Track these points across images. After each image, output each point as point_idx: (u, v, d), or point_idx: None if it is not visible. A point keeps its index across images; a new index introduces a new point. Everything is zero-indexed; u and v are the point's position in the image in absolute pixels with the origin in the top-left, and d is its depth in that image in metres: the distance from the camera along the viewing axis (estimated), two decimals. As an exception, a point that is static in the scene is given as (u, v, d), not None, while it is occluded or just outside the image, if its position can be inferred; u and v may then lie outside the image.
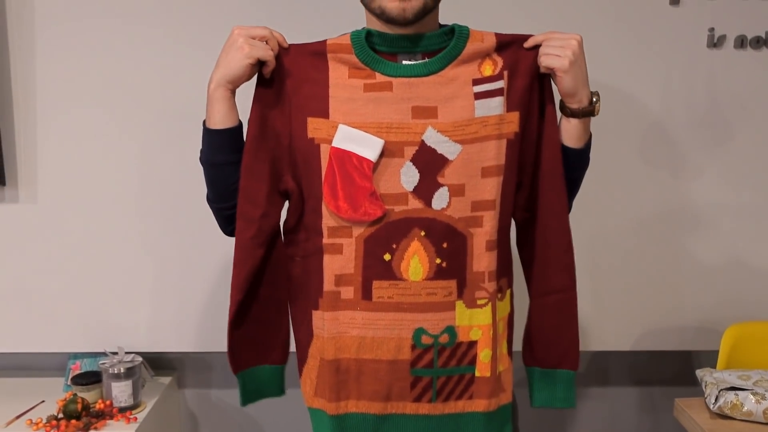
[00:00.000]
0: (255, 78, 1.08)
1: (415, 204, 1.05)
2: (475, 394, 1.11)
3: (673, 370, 1.95)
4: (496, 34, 1.08)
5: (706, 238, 1.78)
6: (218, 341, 1.77)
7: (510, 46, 1.08)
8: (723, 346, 1.66)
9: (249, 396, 1.18)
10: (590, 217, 1.74)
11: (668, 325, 1.82)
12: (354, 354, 1.09)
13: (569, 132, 1.11)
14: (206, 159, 1.12)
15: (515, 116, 1.07)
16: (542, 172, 1.11)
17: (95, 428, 1.56)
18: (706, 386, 1.54)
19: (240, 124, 1.11)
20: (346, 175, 1.04)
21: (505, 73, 1.07)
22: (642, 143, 1.74)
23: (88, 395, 1.66)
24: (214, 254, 1.73)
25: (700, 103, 1.72)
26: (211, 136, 1.10)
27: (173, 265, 1.76)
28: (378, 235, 1.05)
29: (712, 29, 1.68)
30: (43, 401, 1.71)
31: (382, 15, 1.04)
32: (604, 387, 1.98)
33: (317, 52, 1.07)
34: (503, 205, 1.09)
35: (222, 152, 1.10)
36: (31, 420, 1.60)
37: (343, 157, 1.04)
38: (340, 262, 1.07)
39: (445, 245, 1.06)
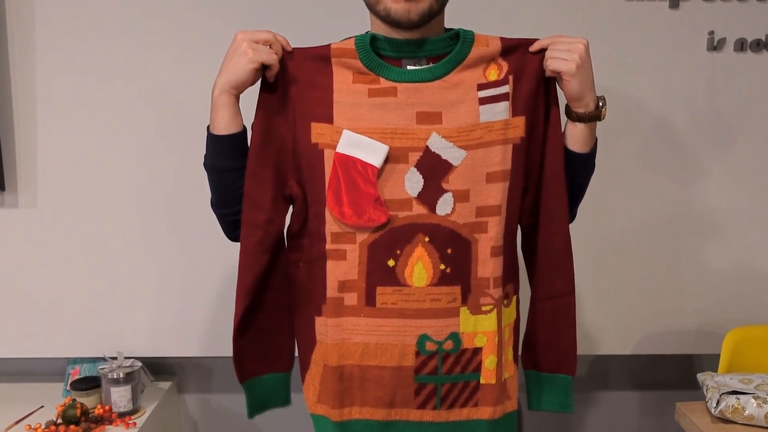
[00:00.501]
0: (258, 83, 1.08)
1: (419, 210, 1.04)
2: (480, 402, 1.10)
3: (675, 374, 1.95)
4: (501, 39, 1.07)
5: (707, 242, 1.78)
6: (218, 346, 1.78)
7: (515, 50, 1.07)
8: (724, 350, 1.66)
9: (255, 407, 1.17)
10: (592, 222, 1.73)
11: (669, 328, 1.82)
12: (358, 360, 1.08)
13: (575, 137, 1.10)
14: (210, 165, 1.11)
15: (521, 121, 1.07)
16: (545, 176, 1.11)
17: (94, 434, 1.56)
18: (707, 390, 1.53)
19: (244, 130, 1.10)
20: (351, 181, 1.03)
21: (511, 77, 1.06)
22: (643, 147, 1.74)
23: (87, 400, 1.65)
24: (214, 259, 1.73)
25: (701, 107, 1.72)
26: (215, 141, 1.09)
27: (172, 270, 1.75)
28: (382, 241, 1.04)
29: (711, 32, 1.69)
30: (42, 406, 1.70)
31: (387, 17, 1.04)
32: (605, 391, 1.98)
33: (321, 57, 1.06)
34: (509, 211, 1.08)
35: (226, 158, 1.09)
36: (30, 425, 1.59)
37: (347, 162, 1.04)
38: (343, 268, 1.06)
39: (449, 251, 1.05)
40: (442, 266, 1.05)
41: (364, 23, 1.13)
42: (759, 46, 1.69)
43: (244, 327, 1.12)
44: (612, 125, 1.68)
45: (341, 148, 1.04)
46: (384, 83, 1.05)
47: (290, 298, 1.16)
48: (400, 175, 1.04)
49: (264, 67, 1.05)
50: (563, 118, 1.11)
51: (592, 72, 1.07)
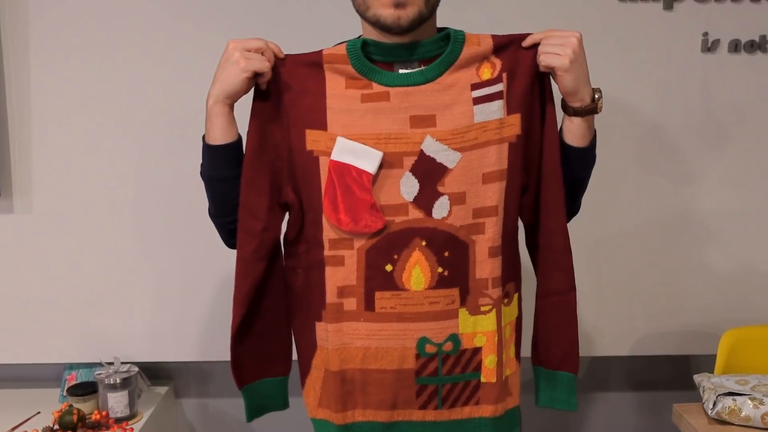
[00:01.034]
0: (252, 91, 1.08)
1: (415, 214, 1.04)
2: (482, 400, 1.11)
3: (672, 375, 1.96)
4: (493, 36, 1.07)
5: (702, 243, 1.79)
6: (215, 350, 1.77)
7: (508, 47, 1.07)
8: (721, 351, 1.66)
9: (254, 411, 1.17)
10: (588, 223, 1.72)
11: (666, 329, 1.82)
12: (359, 364, 1.08)
13: (573, 131, 1.10)
14: (207, 174, 1.11)
15: (516, 119, 1.06)
16: (543, 173, 1.10)
17: (91, 439, 1.56)
18: (704, 391, 1.53)
19: (240, 139, 1.10)
20: (346, 188, 1.03)
21: (504, 75, 1.06)
22: (638, 148, 1.74)
23: (84, 406, 1.65)
24: (210, 263, 1.72)
25: (696, 108, 1.73)
26: (211, 151, 1.09)
27: (168, 275, 1.75)
28: (379, 247, 1.05)
29: (706, 34, 1.69)
30: (39, 412, 1.70)
31: (377, 23, 1.04)
32: (602, 392, 1.98)
33: (313, 63, 1.06)
34: (507, 210, 1.08)
35: (222, 167, 1.09)
36: (26, 431, 1.59)
37: (342, 170, 1.04)
38: (342, 273, 1.06)
39: (446, 254, 1.05)
40: (440, 269, 1.05)
41: (356, 29, 1.12)
42: (753, 47, 1.70)
43: (242, 334, 1.12)
44: (607, 126, 1.68)
45: (336, 156, 1.04)
46: (376, 88, 1.04)
47: (288, 304, 1.16)
48: (395, 180, 1.04)
49: (257, 76, 1.05)
50: (560, 113, 1.10)
51: (587, 65, 1.06)
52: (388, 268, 1.05)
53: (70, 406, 1.61)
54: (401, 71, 1.06)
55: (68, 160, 1.69)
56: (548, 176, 1.10)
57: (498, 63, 1.06)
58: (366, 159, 1.03)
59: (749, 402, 1.46)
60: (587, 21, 1.67)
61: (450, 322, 1.07)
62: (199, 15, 1.65)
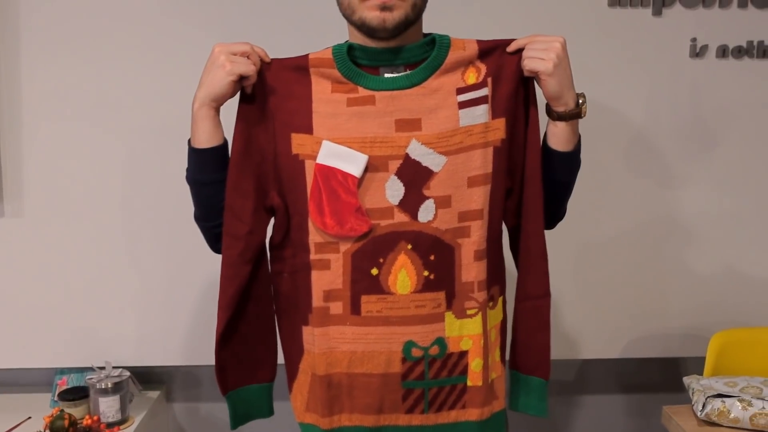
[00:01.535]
0: (238, 95, 1.08)
1: (401, 218, 1.05)
2: (468, 404, 1.11)
3: (661, 377, 1.97)
4: (478, 41, 1.08)
5: (692, 246, 1.80)
6: (207, 354, 1.74)
7: (493, 52, 1.08)
8: (710, 353, 1.67)
9: (239, 418, 1.17)
10: (577, 226, 1.74)
11: (655, 332, 1.83)
12: (345, 368, 1.08)
13: (557, 136, 1.10)
14: (193, 178, 1.11)
15: (501, 123, 1.07)
16: (525, 177, 1.11)
17: (82, 444, 1.55)
18: (693, 393, 1.55)
19: (225, 142, 1.10)
20: (331, 192, 1.04)
21: (489, 80, 1.07)
22: (627, 152, 1.76)
23: (75, 411, 1.64)
24: (203, 266, 1.72)
25: (684, 113, 1.74)
26: (197, 155, 1.09)
27: (160, 279, 1.75)
28: (365, 250, 1.05)
29: (694, 39, 1.71)
30: (30, 417, 1.69)
31: (363, 27, 1.04)
32: (592, 395, 1.99)
33: (300, 67, 1.07)
34: (492, 214, 1.08)
35: (208, 171, 1.09)
36: (17, 437, 1.58)
37: (327, 173, 1.04)
38: (328, 277, 1.07)
39: (432, 257, 1.05)
40: (426, 273, 1.06)
41: (343, 33, 1.13)
42: (740, 52, 1.71)
43: (227, 338, 1.12)
44: (596, 131, 1.70)
45: (321, 159, 1.04)
46: (362, 92, 1.05)
47: (274, 309, 1.16)
48: (381, 183, 1.05)
49: (242, 79, 1.05)
50: (545, 117, 1.11)
51: (570, 70, 1.07)
52: (374, 271, 1.05)
53: (61, 410, 1.61)
54: (387, 75, 1.07)
55: (59, 164, 1.69)
56: (530, 179, 1.10)
57: (483, 68, 1.07)
58: (351, 162, 1.03)
59: (738, 404, 1.47)
60: (577, 26, 1.69)
61: (436, 326, 1.07)
62: (190, 16, 1.65)
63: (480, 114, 1.06)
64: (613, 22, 1.70)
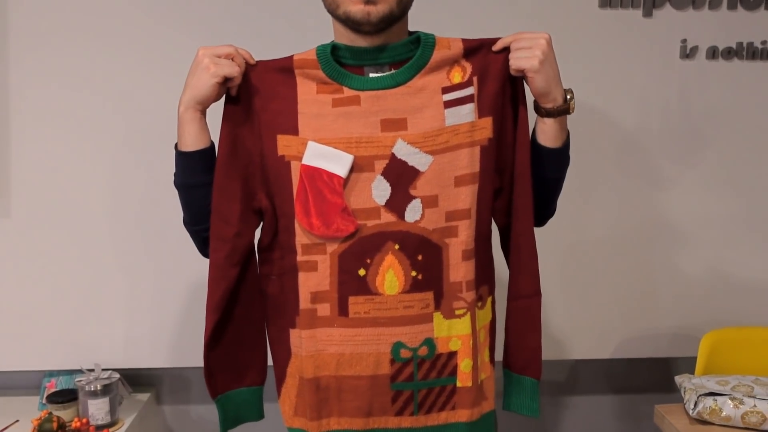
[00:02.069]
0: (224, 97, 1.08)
1: (387, 218, 1.04)
2: (458, 405, 1.10)
3: (653, 377, 1.97)
4: (463, 40, 1.07)
5: (682, 247, 1.81)
6: (197, 356, 1.71)
7: (478, 51, 1.07)
8: (701, 353, 1.68)
9: (229, 422, 1.16)
10: (568, 227, 1.75)
11: (647, 332, 1.84)
12: (333, 371, 1.07)
13: (546, 133, 1.09)
14: (180, 182, 1.10)
15: (488, 122, 1.07)
16: (514, 176, 1.11)
17: (71, 447, 1.54)
18: (685, 392, 1.55)
19: (212, 145, 1.10)
20: (317, 192, 1.03)
21: (475, 78, 1.06)
22: (617, 153, 1.76)
23: (64, 413, 1.63)
24: (193, 268, 1.71)
25: (674, 113, 1.75)
26: (183, 158, 1.08)
27: (151, 280, 1.74)
28: (352, 251, 1.04)
29: (684, 41, 1.72)
30: (18, 420, 1.67)
31: (347, 21, 1.04)
32: (583, 395, 1.99)
33: (284, 68, 1.06)
34: (480, 213, 1.08)
35: (196, 174, 1.09)
36: (5, 440, 1.56)
37: (313, 174, 1.04)
38: (315, 279, 1.06)
39: (420, 257, 1.05)
40: (414, 273, 1.05)
41: (327, 34, 1.12)
42: (730, 54, 1.73)
43: (215, 341, 1.11)
44: (586, 132, 1.71)
45: (307, 160, 1.04)
46: (347, 92, 1.05)
47: (262, 312, 1.15)
48: (367, 183, 1.04)
49: (227, 81, 1.04)
50: (534, 115, 1.10)
51: (557, 66, 1.06)
52: (362, 272, 1.05)
53: (50, 413, 1.59)
54: (372, 75, 1.06)
55: (47, 165, 1.68)
56: (519, 177, 1.10)
57: (468, 67, 1.07)
58: (337, 163, 1.03)
59: (729, 402, 1.47)
60: (568, 27, 1.69)
61: (425, 326, 1.06)
62: (176, 19, 1.65)
63: (466, 113, 1.06)
64: (604, 23, 1.71)
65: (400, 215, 1.04)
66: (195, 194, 1.10)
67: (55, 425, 1.55)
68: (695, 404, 1.50)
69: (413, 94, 1.05)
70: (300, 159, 1.04)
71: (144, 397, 1.81)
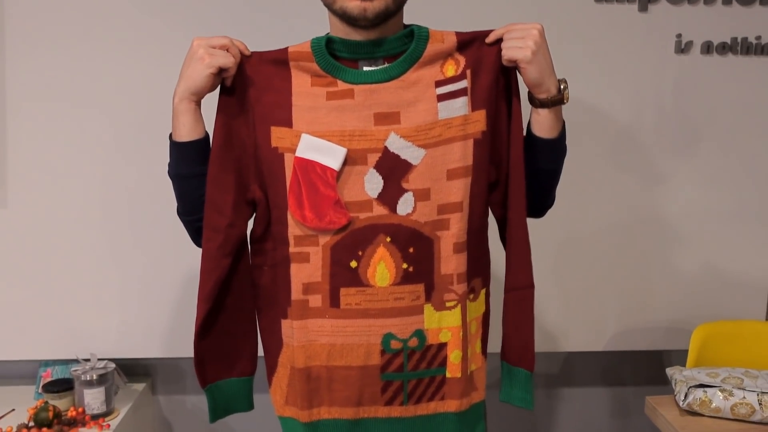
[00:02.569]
0: (219, 88, 1.08)
1: (379, 210, 1.05)
2: (447, 395, 1.11)
3: (645, 370, 1.99)
4: (457, 33, 1.07)
5: (675, 242, 1.82)
6: (193, 347, 1.76)
7: (471, 44, 1.08)
8: (692, 345, 1.69)
9: (218, 412, 1.16)
10: (562, 221, 1.76)
11: (640, 325, 1.85)
12: (324, 361, 1.08)
13: (541, 123, 1.09)
14: (174, 172, 1.11)
15: (481, 115, 1.07)
16: (509, 168, 1.11)
17: (67, 436, 1.55)
18: (675, 384, 1.56)
19: (207, 136, 1.10)
20: (311, 185, 1.04)
21: (468, 71, 1.07)
22: (612, 148, 1.77)
23: (60, 403, 1.64)
24: (189, 258, 1.71)
25: (669, 108, 1.76)
26: (178, 149, 1.09)
27: (147, 270, 1.75)
28: (344, 243, 1.05)
29: (679, 35, 1.72)
30: (14, 410, 1.68)
31: (343, 16, 1.04)
32: (576, 387, 2.01)
33: (279, 61, 1.07)
34: (473, 206, 1.08)
35: (190, 165, 1.09)
36: (1, 428, 1.57)
37: (306, 166, 1.04)
38: (307, 270, 1.07)
39: (411, 250, 1.06)
40: (405, 265, 1.06)
41: (323, 26, 1.12)
42: (724, 49, 1.73)
43: (206, 331, 1.12)
44: (580, 126, 1.71)
45: (300, 152, 1.04)
46: (341, 86, 1.05)
47: (254, 302, 1.15)
48: (359, 176, 1.05)
49: (222, 72, 1.04)
50: (528, 106, 1.10)
51: (550, 56, 1.06)
52: (353, 264, 1.05)
53: (46, 402, 1.60)
54: (366, 68, 1.07)
55: (42, 156, 1.69)
56: (513, 170, 1.10)
57: (462, 60, 1.07)
58: (330, 156, 1.03)
59: (719, 393, 1.49)
60: (564, 21, 1.69)
61: (415, 318, 1.07)
62: (171, 11, 1.64)
63: (459, 106, 1.06)
64: (600, 17, 1.71)
65: (392, 208, 1.05)
66: (189, 184, 1.10)
67: (50, 414, 1.56)
68: (685, 396, 1.51)
69: (406, 87, 1.05)
70: (293, 151, 1.05)
71: (139, 386, 1.82)
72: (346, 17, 1.04)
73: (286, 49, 1.07)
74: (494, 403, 1.23)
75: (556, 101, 1.07)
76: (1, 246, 1.71)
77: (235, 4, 1.65)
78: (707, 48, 1.73)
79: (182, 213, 1.14)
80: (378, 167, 1.05)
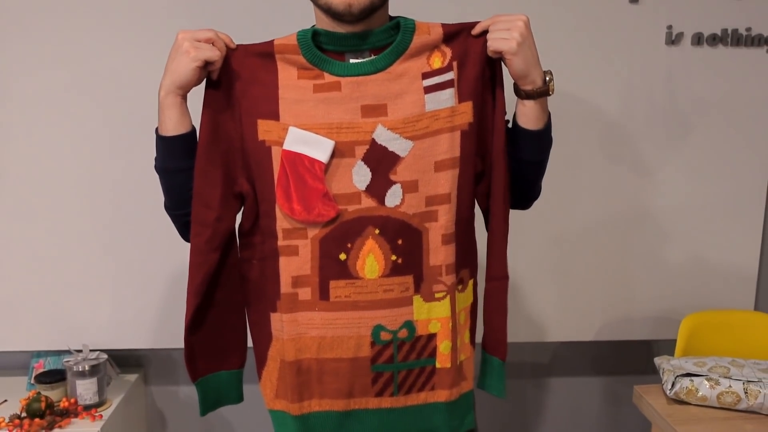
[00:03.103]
0: (204, 82, 1.07)
1: (368, 203, 1.05)
2: (437, 385, 1.12)
3: (634, 360, 2.01)
4: (443, 25, 1.07)
5: (664, 233, 1.83)
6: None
7: (458, 35, 1.07)
8: (680, 335, 1.71)
9: (208, 405, 1.17)
10: (553, 213, 1.77)
11: (629, 315, 1.87)
12: (314, 354, 1.09)
13: (527, 115, 1.09)
14: (161, 167, 1.10)
15: (468, 106, 1.07)
16: (492, 159, 1.11)
17: (59, 426, 1.55)
18: (663, 373, 1.58)
19: (193, 129, 1.10)
20: (299, 177, 1.04)
21: (455, 63, 1.06)
22: (601, 139, 1.77)
23: (52, 393, 1.64)
24: (181, 249, 1.70)
25: (659, 100, 1.76)
26: (164, 143, 1.08)
27: (139, 261, 1.74)
28: (333, 236, 1.05)
29: (670, 27, 1.72)
30: (6, 400, 1.69)
31: (328, 10, 1.04)
32: (566, 377, 2.02)
33: (265, 53, 1.06)
34: (461, 197, 1.09)
35: (177, 159, 1.09)
36: (-7, 420, 1.58)
37: (294, 159, 1.04)
38: (296, 263, 1.07)
39: (400, 242, 1.06)
40: (394, 257, 1.06)
41: (308, 18, 1.12)
42: (715, 40, 1.73)
43: (196, 325, 1.12)
44: (570, 117, 1.72)
45: (288, 145, 1.04)
46: (328, 78, 1.05)
47: (243, 296, 1.15)
48: (347, 169, 1.05)
49: (208, 65, 1.04)
50: (514, 98, 1.10)
51: (536, 47, 1.06)
52: (342, 256, 1.05)
53: (38, 393, 1.61)
54: (352, 61, 1.06)
55: (35, 147, 1.68)
56: (496, 161, 1.10)
57: (448, 52, 1.07)
58: (318, 148, 1.03)
59: (706, 382, 1.50)
60: (553, 13, 1.69)
61: (404, 309, 1.08)
62: (160, 5, 1.63)
63: (446, 98, 1.06)
64: (590, 8, 1.70)
65: (381, 200, 1.05)
66: (176, 179, 1.10)
67: (43, 405, 1.57)
68: (672, 385, 1.53)
69: (393, 79, 1.05)
70: (281, 144, 1.04)
71: (132, 377, 1.82)
72: (331, 12, 1.04)
73: (272, 41, 1.06)
74: (484, 393, 1.24)
75: (542, 93, 1.08)
76: (-8, 238, 1.71)
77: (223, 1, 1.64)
78: (698, 39, 1.73)
79: (169, 207, 1.14)
80: (366, 159, 1.05)
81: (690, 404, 1.52)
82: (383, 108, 1.05)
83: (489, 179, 1.13)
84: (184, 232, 1.14)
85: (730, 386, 1.49)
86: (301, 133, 1.04)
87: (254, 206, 1.10)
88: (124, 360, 1.86)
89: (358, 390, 1.10)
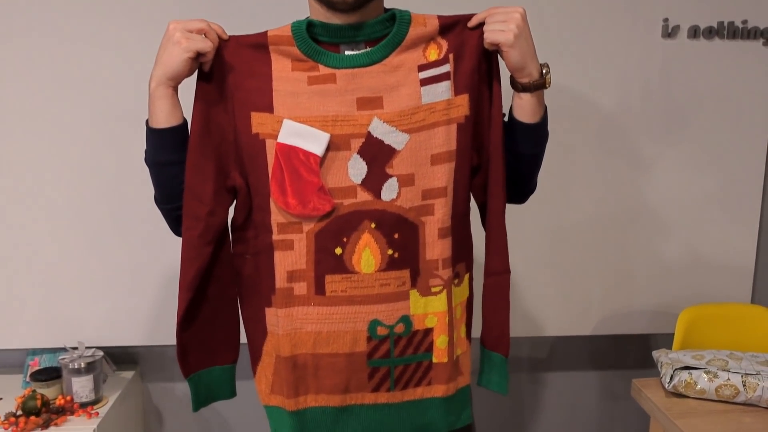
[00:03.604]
0: (196, 73, 1.06)
1: (364, 196, 1.04)
2: (434, 380, 1.11)
3: (632, 353, 2.01)
4: (439, 17, 1.06)
5: (661, 226, 1.83)
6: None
7: (454, 27, 1.07)
8: (678, 328, 1.71)
9: (201, 400, 1.16)
10: (550, 208, 1.77)
11: (627, 309, 1.87)
12: (310, 349, 1.08)
13: (523, 108, 1.09)
14: (151, 159, 1.09)
15: (464, 99, 1.06)
16: (489, 152, 1.10)
17: (55, 424, 1.55)
18: (661, 366, 1.58)
19: (185, 122, 1.08)
20: (293, 171, 1.03)
21: (451, 56, 1.06)
22: (598, 134, 1.77)
23: (48, 391, 1.64)
24: (176, 245, 1.70)
25: (655, 93, 1.76)
26: (155, 135, 1.07)
27: (134, 257, 1.74)
28: (328, 230, 1.04)
29: (666, 19, 1.72)
30: (1, 398, 1.68)
31: (324, 1, 1.03)
32: (564, 371, 2.02)
33: (258, 45, 1.05)
34: (457, 191, 1.08)
35: (167, 152, 1.07)
36: (-12, 418, 1.57)
37: (289, 152, 1.03)
38: (291, 258, 1.06)
39: (396, 236, 1.05)
40: (390, 251, 1.05)
41: (303, 9, 1.11)
42: (711, 33, 1.73)
43: (189, 321, 1.11)
44: (567, 111, 1.72)
45: (282, 138, 1.03)
46: (323, 70, 1.04)
47: (236, 291, 1.14)
48: (343, 162, 1.04)
49: (200, 56, 1.03)
50: (510, 91, 1.10)
51: (532, 40, 1.06)
52: (338, 251, 1.05)
53: (34, 391, 1.60)
54: (347, 53, 1.05)
55: (25, 144, 1.66)
56: (492, 154, 1.10)
57: (444, 44, 1.06)
58: (313, 141, 1.02)
59: (704, 375, 1.50)
60: (549, 5, 1.68)
61: (401, 304, 1.07)
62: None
63: (442, 91, 1.05)
64: (586, 1, 1.70)
65: (377, 194, 1.04)
66: (166, 172, 1.08)
67: (39, 403, 1.56)
68: (671, 378, 1.53)
69: (389, 72, 1.04)
70: (275, 137, 1.03)
71: (128, 374, 1.82)
72: (326, 2, 1.02)
73: (266, 32, 1.05)
74: (480, 387, 1.23)
75: (538, 85, 1.07)
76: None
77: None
78: (694, 32, 1.73)
79: (160, 201, 1.13)
80: (362, 153, 1.04)
81: (688, 397, 1.52)
82: (379, 100, 1.04)
83: (485, 173, 1.12)
84: (175, 227, 1.13)
85: (728, 379, 1.49)
86: (296, 126, 1.03)
87: (247, 200, 1.09)
88: (119, 357, 1.85)
89: (354, 385, 1.09)
